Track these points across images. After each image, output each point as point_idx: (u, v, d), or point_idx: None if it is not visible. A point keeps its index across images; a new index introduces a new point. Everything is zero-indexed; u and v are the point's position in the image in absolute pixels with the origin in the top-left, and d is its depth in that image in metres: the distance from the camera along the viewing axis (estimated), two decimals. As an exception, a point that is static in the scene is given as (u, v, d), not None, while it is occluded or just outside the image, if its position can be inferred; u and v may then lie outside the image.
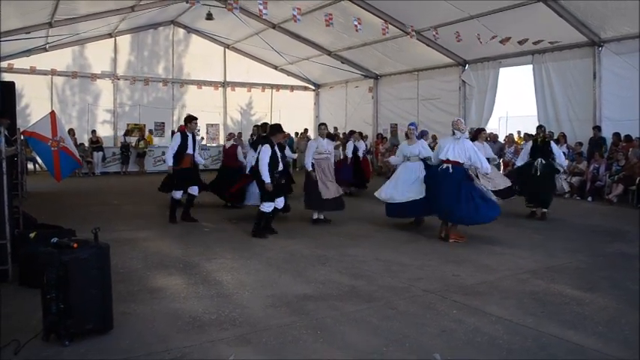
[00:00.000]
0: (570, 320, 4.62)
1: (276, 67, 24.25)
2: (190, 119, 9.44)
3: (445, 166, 7.91)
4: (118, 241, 7.28)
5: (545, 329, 4.39)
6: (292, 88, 24.98)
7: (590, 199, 12.76)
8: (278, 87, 24.62)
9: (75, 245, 4.11)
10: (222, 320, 4.57)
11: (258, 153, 8.17)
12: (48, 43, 18.71)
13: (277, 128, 8.57)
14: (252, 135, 12.25)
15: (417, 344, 4.11)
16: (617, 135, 13.11)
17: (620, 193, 12.11)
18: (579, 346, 4.08)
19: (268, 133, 8.69)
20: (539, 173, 10.04)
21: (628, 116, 13.09)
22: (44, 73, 19.56)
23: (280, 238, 8.20)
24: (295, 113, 23.45)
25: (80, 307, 4.03)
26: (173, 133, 22.00)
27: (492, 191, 9.16)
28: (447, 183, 7.85)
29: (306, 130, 22.77)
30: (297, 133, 22.67)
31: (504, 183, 10.41)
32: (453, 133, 8.04)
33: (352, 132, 15.45)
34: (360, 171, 14.18)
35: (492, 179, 10.18)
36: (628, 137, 12.79)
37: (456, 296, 5.27)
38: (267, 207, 8.21)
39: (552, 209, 10.88)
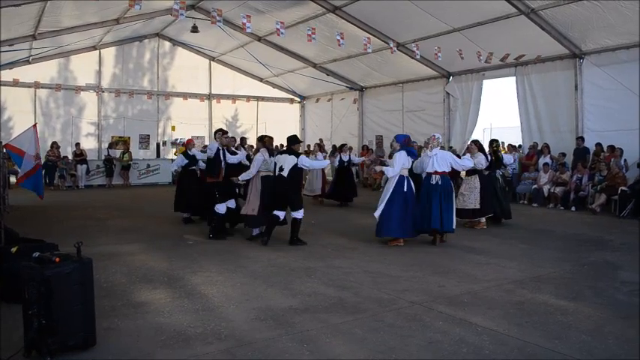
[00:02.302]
0: (555, 330, 4.64)
1: (261, 80, 24.32)
2: (220, 132, 9.50)
3: (434, 178, 8.48)
4: (101, 256, 7.21)
5: (531, 339, 4.41)
6: (278, 100, 25.05)
7: (573, 208, 12.88)
8: (264, 99, 24.66)
9: (57, 260, 4.05)
10: (207, 334, 4.53)
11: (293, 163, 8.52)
12: (31, 55, 18.57)
13: (296, 139, 8.95)
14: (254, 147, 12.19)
15: (403, 356, 4.10)
16: (599, 145, 13.28)
17: (603, 203, 12.24)
18: (564, 355, 4.10)
19: (291, 144, 8.79)
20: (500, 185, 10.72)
21: (609, 127, 13.31)
22: (27, 85, 19.37)
23: (266, 250, 8.17)
24: (281, 125, 23.41)
25: (62, 323, 3.97)
26: (158, 145, 22.10)
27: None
28: (439, 194, 8.44)
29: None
30: (282, 145, 22.64)
31: (474, 204, 10.45)
32: (431, 150, 8.61)
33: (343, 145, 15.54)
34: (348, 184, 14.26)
35: (464, 195, 10.39)
36: (610, 147, 12.95)
37: (441, 307, 5.28)
38: (300, 214, 8.58)
39: (537, 219, 11.06)
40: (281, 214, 8.58)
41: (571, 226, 10.58)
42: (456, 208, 9.58)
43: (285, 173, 8.45)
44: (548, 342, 4.35)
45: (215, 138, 9.50)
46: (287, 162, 8.48)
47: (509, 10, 12.81)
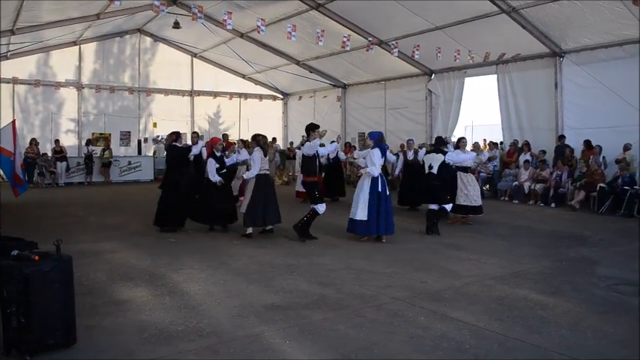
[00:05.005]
0: (535, 324, 4.70)
1: (244, 76, 24.23)
2: (313, 127, 8.84)
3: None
4: (81, 253, 7.13)
5: (511, 334, 4.47)
6: (260, 97, 24.99)
7: (553, 205, 13.04)
8: (246, 96, 24.58)
9: (36, 258, 4.00)
10: (189, 331, 4.51)
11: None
12: (9, 50, 18.27)
13: (442, 141, 9.90)
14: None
15: (385, 351, 4.12)
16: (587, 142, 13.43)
17: (582, 200, 12.41)
18: (544, 349, 4.15)
19: (439, 144, 9.74)
20: None
21: (588, 124, 13.49)
22: (6, 81, 19.07)
23: (248, 247, 8.16)
24: (263, 122, 23.36)
25: (42, 322, 3.92)
26: (139, 142, 21.91)
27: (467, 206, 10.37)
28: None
29: (274, 139, 22.73)
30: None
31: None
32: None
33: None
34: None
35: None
36: (588, 143, 13.15)
37: (423, 303, 5.32)
38: (448, 207, 9.41)
39: (517, 215, 11.20)
40: (435, 206, 9.31)
41: (551, 223, 10.71)
42: (464, 205, 10.31)
43: (434, 170, 9.27)
44: (528, 336, 4.41)
45: (309, 136, 8.78)
46: (435, 160, 9.34)
47: (491, 8, 12.92)
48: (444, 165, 9.34)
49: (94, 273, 6.47)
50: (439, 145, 9.80)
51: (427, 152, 9.86)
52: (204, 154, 10.22)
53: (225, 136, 15.57)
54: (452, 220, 10.60)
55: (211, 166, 9.52)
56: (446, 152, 9.63)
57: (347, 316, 4.92)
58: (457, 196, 10.44)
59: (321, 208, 8.76)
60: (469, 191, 10.44)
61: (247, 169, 10.17)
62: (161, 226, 9.58)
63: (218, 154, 9.75)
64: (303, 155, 9.00)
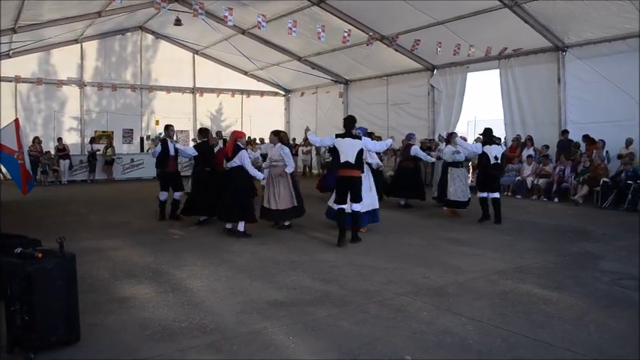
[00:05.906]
0: (538, 319, 4.70)
1: (246, 73, 24.19)
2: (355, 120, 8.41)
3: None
4: (84, 251, 7.13)
5: (514, 329, 4.46)
6: (262, 93, 24.96)
7: (556, 200, 13.02)
8: (248, 92, 24.55)
9: (39, 255, 4.00)
10: (192, 328, 4.52)
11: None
12: (11, 49, 18.29)
13: (491, 134, 10.46)
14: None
15: (388, 347, 4.12)
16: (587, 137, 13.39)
17: (585, 194, 12.39)
18: (548, 344, 4.15)
19: (491, 136, 10.33)
20: None
21: (591, 119, 13.45)
22: (8, 80, 19.07)
23: (251, 243, 8.15)
24: (265, 119, 23.30)
25: (45, 319, 3.93)
26: (142, 140, 21.93)
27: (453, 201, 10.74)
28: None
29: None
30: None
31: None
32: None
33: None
34: None
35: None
36: (590, 138, 13.11)
37: (426, 298, 5.32)
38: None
39: (520, 210, 11.17)
40: (485, 194, 10.12)
41: (554, 218, 10.69)
42: (452, 200, 10.69)
43: (499, 161, 10.11)
44: (531, 331, 4.40)
45: (351, 129, 8.25)
46: (499, 151, 10.12)
47: (494, 3, 12.86)
48: (503, 156, 10.37)
49: (97, 270, 6.48)
50: (492, 136, 10.37)
51: (484, 144, 10.15)
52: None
53: (219, 133, 15.69)
54: (445, 214, 10.87)
55: (247, 160, 8.61)
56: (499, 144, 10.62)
57: (350, 312, 4.92)
58: (447, 190, 10.76)
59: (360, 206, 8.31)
60: (457, 186, 10.64)
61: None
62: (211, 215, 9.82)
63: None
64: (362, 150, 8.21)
